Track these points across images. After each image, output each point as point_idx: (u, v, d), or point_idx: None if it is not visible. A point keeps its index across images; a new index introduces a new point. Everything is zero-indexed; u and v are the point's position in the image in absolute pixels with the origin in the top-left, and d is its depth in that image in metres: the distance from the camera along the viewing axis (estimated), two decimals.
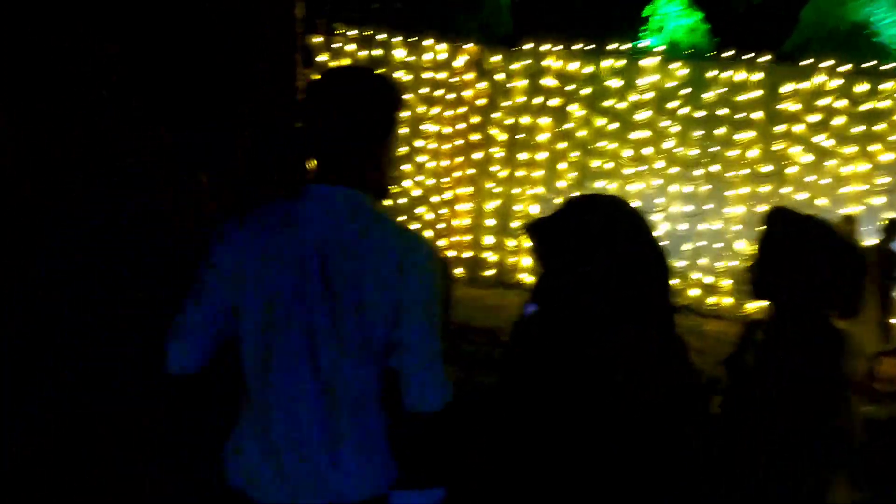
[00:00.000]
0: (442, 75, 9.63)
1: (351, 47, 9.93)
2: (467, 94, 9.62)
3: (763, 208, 8.24)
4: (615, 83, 9.03)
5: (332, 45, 9.98)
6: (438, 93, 9.71)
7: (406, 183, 10.03)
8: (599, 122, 9.16)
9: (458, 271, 9.94)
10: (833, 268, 2.05)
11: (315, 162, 1.68)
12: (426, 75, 9.69)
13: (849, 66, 8.34)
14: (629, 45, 9.22)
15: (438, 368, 1.64)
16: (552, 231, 2.05)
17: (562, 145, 9.37)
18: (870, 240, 8.11)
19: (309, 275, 1.57)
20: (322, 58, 10.01)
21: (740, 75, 8.57)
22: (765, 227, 2.19)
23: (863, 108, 8.28)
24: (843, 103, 8.34)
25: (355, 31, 10.05)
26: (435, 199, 10.00)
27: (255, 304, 1.59)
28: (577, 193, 2.30)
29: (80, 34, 3.38)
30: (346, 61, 9.92)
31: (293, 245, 1.58)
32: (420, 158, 9.92)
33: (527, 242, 2.47)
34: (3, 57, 3.15)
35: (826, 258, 2.06)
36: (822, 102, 8.40)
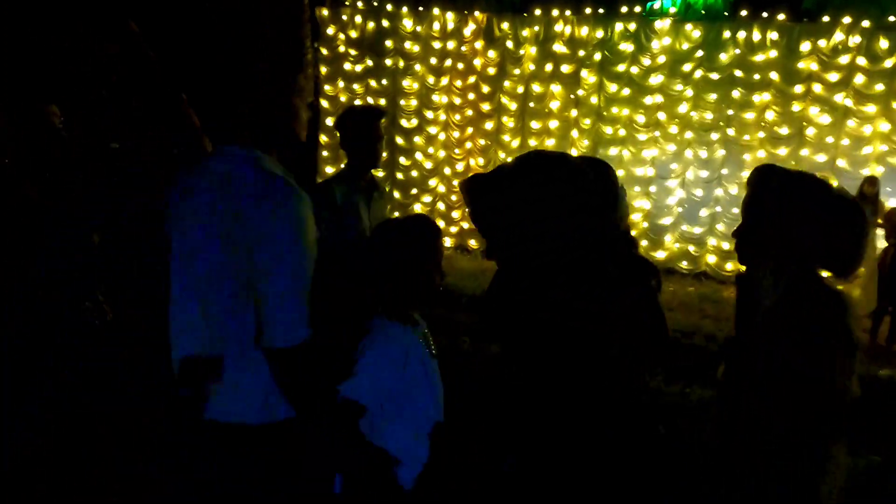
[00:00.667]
0: (451, 44, 9.49)
1: (358, 19, 9.81)
2: (477, 62, 9.47)
3: None
4: (627, 47, 8.83)
5: (340, 18, 9.88)
6: (448, 63, 9.59)
7: (417, 156, 9.97)
8: (612, 87, 8.99)
9: (472, 243, 9.93)
10: (829, 226, 1.92)
11: None
12: (435, 45, 9.56)
13: (868, 24, 8.04)
14: (641, 8, 8.97)
15: (293, 306, 1.73)
16: (512, 193, 1.97)
17: (574, 112, 9.23)
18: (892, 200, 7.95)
19: (201, 221, 1.80)
20: (330, 30, 9.92)
21: (756, 35, 8.33)
22: (753, 186, 2.05)
23: (884, 65, 8.01)
24: (863, 61, 8.08)
25: (362, 3, 9.92)
26: (447, 170, 9.93)
27: (173, 251, 1.87)
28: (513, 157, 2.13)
29: (80, 34, 3.36)
30: (353, 33, 9.82)
31: (194, 198, 1.83)
32: (431, 130, 9.85)
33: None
34: (4, 57, 3.15)
35: (820, 216, 1.92)
36: (841, 60, 8.15)
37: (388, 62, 9.79)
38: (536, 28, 9.12)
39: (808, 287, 1.95)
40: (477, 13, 9.38)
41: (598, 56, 8.97)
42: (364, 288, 1.99)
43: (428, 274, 1.98)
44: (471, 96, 9.59)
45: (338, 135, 3.57)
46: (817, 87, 8.31)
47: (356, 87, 10.00)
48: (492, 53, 9.36)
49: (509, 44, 9.27)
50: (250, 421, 1.81)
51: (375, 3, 9.85)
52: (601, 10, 8.93)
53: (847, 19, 8.07)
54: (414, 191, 10.08)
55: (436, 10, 9.45)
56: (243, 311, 1.77)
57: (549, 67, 9.15)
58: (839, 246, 1.93)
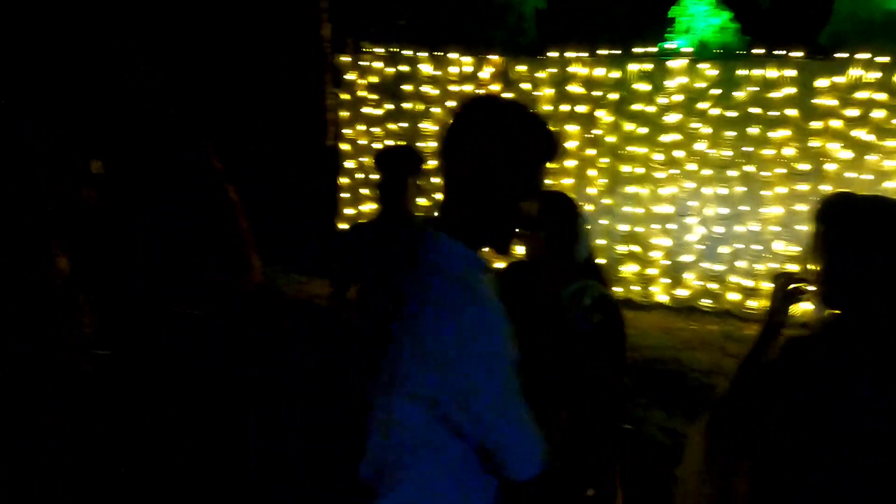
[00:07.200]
0: (468, 88, 9.64)
1: (378, 64, 10.04)
2: None
3: (802, 208, 7.90)
4: (643, 86, 8.91)
5: (360, 63, 10.11)
6: None
7: (437, 197, 10.05)
8: (628, 126, 9.04)
9: None
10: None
11: None
12: (453, 88, 9.72)
13: (887, 59, 8.04)
14: (655, 48, 9.06)
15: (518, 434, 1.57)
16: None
17: (591, 152, 9.27)
18: None
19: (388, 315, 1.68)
20: (350, 76, 10.16)
21: (772, 72, 8.35)
22: (828, 217, 1.81)
23: None
24: (882, 96, 8.06)
25: (382, 49, 10.16)
26: None
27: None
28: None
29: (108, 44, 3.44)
30: (373, 78, 10.04)
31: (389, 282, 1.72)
32: None
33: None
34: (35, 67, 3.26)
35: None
36: (860, 96, 8.13)
37: (407, 106, 9.96)
38: (552, 70, 9.25)
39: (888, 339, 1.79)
40: (494, 57, 9.54)
41: (614, 96, 9.05)
42: None
43: None
44: None
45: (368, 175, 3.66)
46: (836, 123, 8.28)
47: (376, 130, 10.17)
48: (509, 96, 9.48)
49: (526, 86, 9.39)
50: None
51: (394, 49, 10.08)
52: (616, 51, 9.04)
53: (863, 55, 8.08)
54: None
55: (453, 55, 9.63)
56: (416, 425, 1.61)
57: (565, 108, 9.24)
58: None
